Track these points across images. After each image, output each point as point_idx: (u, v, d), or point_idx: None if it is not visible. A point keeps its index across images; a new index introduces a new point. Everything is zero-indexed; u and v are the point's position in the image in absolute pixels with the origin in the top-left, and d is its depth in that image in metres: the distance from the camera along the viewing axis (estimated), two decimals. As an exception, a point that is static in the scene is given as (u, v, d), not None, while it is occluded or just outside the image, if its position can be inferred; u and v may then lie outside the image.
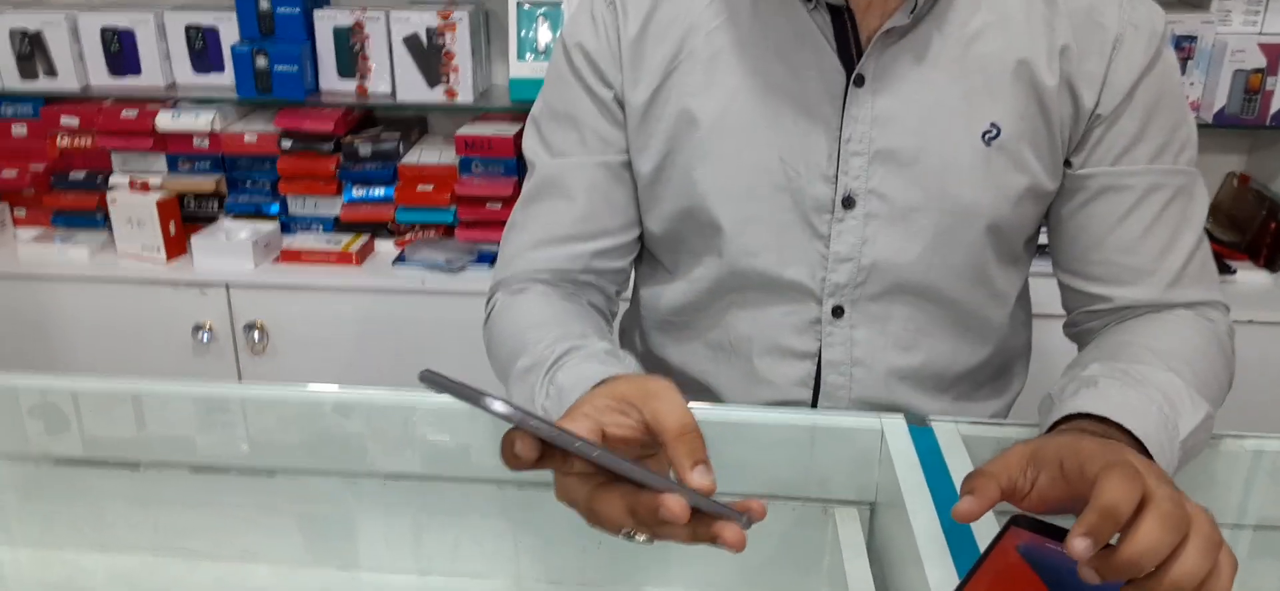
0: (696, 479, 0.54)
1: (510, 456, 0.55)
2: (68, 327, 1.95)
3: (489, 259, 1.90)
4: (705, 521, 0.54)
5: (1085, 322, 0.89)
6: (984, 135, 0.82)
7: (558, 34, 0.89)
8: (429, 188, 1.92)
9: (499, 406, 0.50)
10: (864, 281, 0.87)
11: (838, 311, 0.88)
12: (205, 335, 1.90)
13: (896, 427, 0.78)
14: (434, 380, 0.50)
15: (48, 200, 2.00)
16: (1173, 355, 0.75)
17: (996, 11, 0.81)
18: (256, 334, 1.89)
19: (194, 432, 0.92)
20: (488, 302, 0.93)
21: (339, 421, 0.88)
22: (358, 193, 1.96)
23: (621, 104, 0.86)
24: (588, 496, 0.57)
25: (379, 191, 1.96)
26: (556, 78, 0.89)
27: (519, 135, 1.90)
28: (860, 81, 0.81)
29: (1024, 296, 0.98)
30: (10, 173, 1.99)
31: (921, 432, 0.78)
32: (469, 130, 1.91)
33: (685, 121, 0.84)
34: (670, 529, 0.55)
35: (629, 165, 0.89)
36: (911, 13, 0.78)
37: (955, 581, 0.63)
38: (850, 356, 0.90)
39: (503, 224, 2.02)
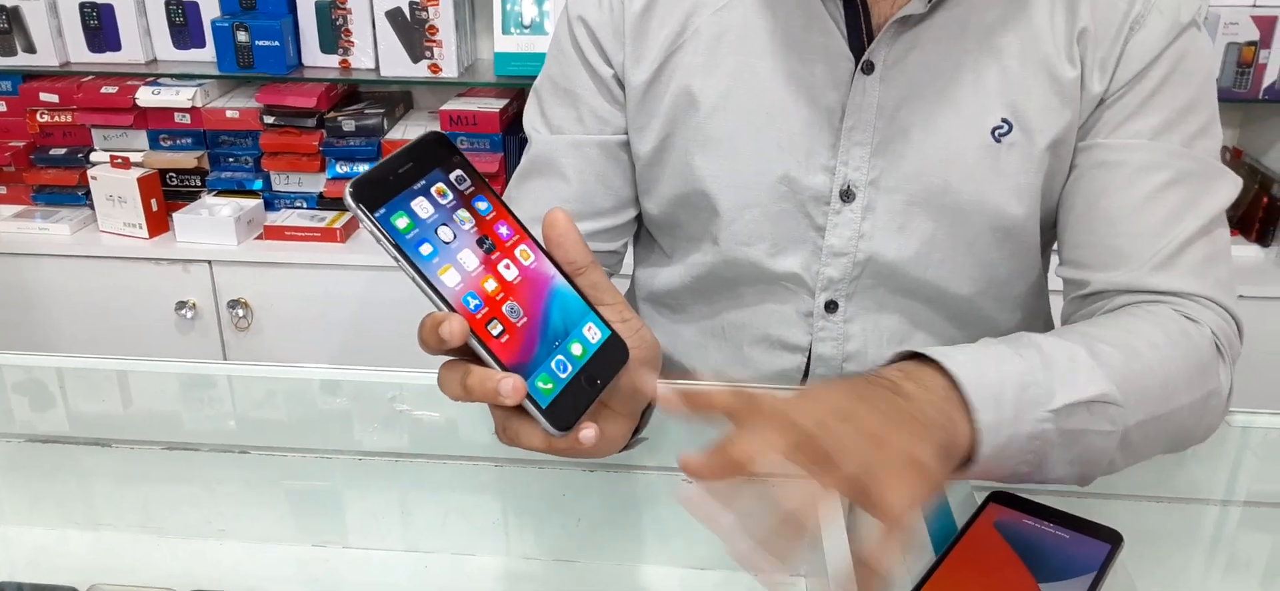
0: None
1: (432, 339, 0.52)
2: (50, 305, 1.93)
3: (475, 235, 1.89)
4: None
5: (1070, 318, 0.82)
6: (994, 131, 0.78)
7: (564, 5, 0.88)
8: (414, 164, 1.91)
9: (348, 195, 0.50)
10: (859, 276, 0.84)
11: (831, 306, 0.86)
12: (189, 312, 1.88)
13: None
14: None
15: (28, 177, 1.98)
16: (1097, 335, 0.66)
17: (1018, 1, 0.77)
18: (240, 311, 1.87)
19: (175, 410, 0.92)
20: None
21: (323, 399, 0.87)
22: (341, 169, 1.94)
23: (621, 83, 0.85)
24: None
25: (363, 167, 1.94)
26: (558, 51, 0.87)
27: (504, 110, 1.89)
28: (868, 69, 0.78)
29: (1040, 297, 0.94)
30: (-11, 149, 1.97)
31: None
32: (454, 105, 1.89)
33: (686, 102, 0.82)
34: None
35: (627, 146, 0.87)
36: (928, 2, 0.75)
37: (932, 557, 0.63)
38: (842, 352, 0.88)
39: (488, 200, 1.99)
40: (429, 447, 0.85)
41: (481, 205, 0.55)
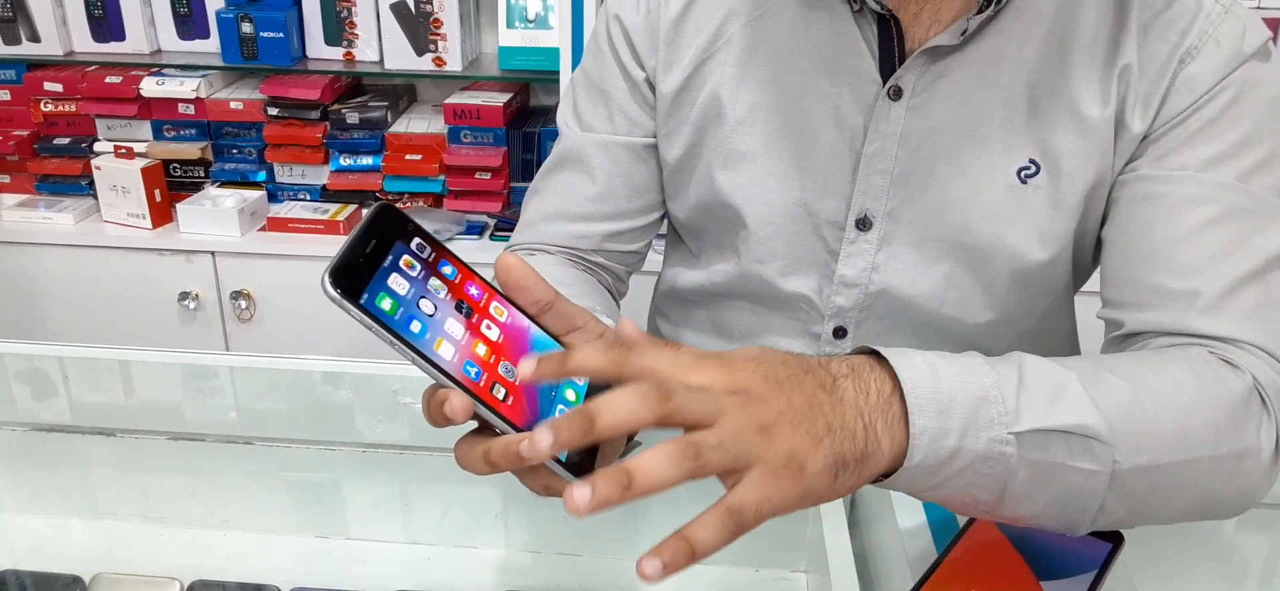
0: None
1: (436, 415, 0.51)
2: (53, 294, 1.93)
3: (477, 229, 1.89)
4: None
5: None
6: (1020, 172, 0.75)
7: (603, 2, 0.87)
8: (417, 157, 1.91)
9: (327, 285, 0.46)
10: (870, 307, 0.83)
11: (840, 332, 0.85)
12: (191, 303, 1.89)
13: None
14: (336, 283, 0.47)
15: (32, 166, 1.98)
16: (1106, 366, 0.58)
17: (1057, 36, 0.73)
18: (243, 302, 1.88)
19: (178, 400, 0.92)
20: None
21: (326, 391, 0.87)
22: (345, 161, 1.94)
23: (653, 87, 0.84)
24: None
25: (367, 160, 1.94)
26: (595, 48, 0.87)
27: (508, 104, 1.89)
28: (896, 95, 0.75)
29: (1067, 340, 0.90)
30: (-7, 138, 1.97)
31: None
32: (458, 99, 1.89)
33: (714, 112, 0.81)
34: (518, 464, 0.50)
35: (655, 149, 0.87)
36: (962, 34, 0.72)
37: (934, 554, 0.64)
38: None
39: (492, 194, 2.01)
40: (431, 440, 0.85)
41: (447, 270, 0.53)
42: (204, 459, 0.85)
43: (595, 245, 0.88)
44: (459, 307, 0.52)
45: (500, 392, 0.51)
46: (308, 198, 1.98)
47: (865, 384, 0.51)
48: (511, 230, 0.95)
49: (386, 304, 0.49)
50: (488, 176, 1.89)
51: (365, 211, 0.53)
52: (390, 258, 0.50)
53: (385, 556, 0.81)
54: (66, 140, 1.98)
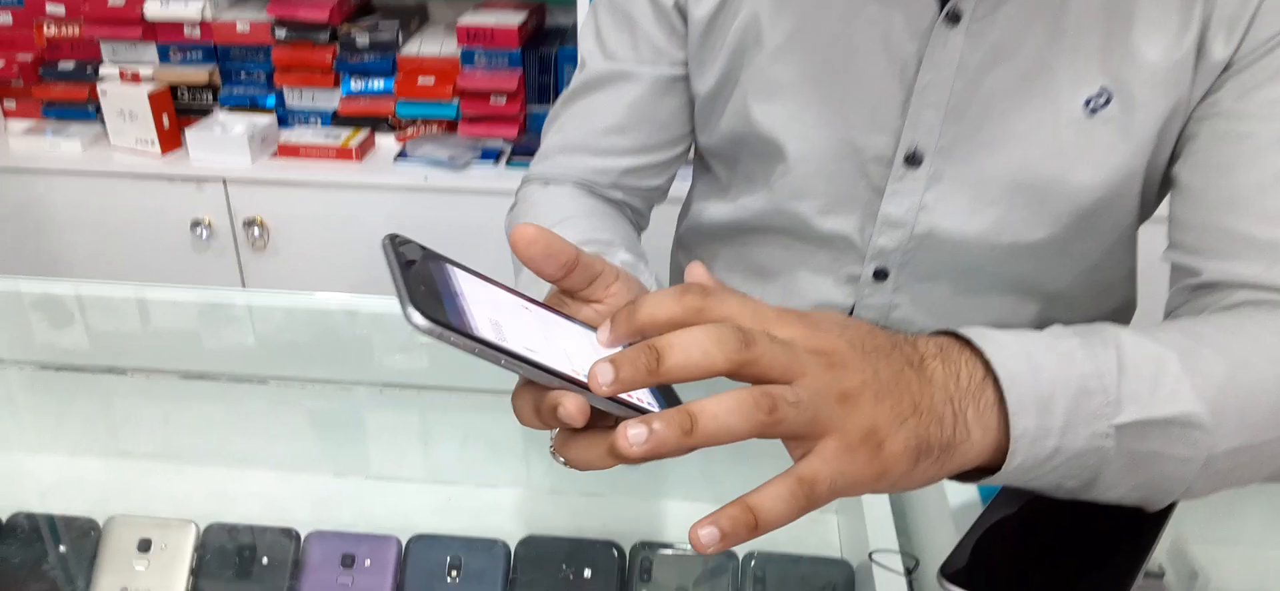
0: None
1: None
2: (63, 223, 1.91)
3: (493, 155, 1.85)
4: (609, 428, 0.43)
5: (1176, 312, 0.69)
6: (1087, 102, 0.69)
7: None
8: (430, 80, 1.86)
9: (418, 318, 0.41)
10: (915, 248, 0.78)
11: (880, 274, 0.81)
12: (204, 231, 1.86)
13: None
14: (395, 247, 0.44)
15: (37, 91, 1.94)
16: (1201, 338, 0.53)
17: None
18: (256, 230, 1.85)
19: (192, 337, 0.90)
20: (518, 190, 0.89)
21: (344, 327, 0.85)
22: (356, 85, 1.90)
23: (683, 14, 0.79)
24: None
25: (378, 84, 1.89)
26: None
27: (523, 25, 1.83)
28: (954, 19, 0.69)
29: (1127, 282, 0.85)
30: (-3, 62, 1.93)
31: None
32: (470, 19, 1.84)
33: (750, 38, 0.76)
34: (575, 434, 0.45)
35: (682, 80, 0.82)
36: None
37: (975, 498, 0.61)
38: (886, 320, 0.83)
39: (507, 119, 1.96)
40: (450, 378, 0.83)
41: (481, 278, 0.47)
42: (219, 397, 0.83)
43: (614, 180, 0.84)
44: (522, 308, 0.47)
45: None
46: (319, 123, 1.94)
47: (954, 365, 0.47)
48: (529, 156, 0.91)
49: (483, 324, 0.43)
50: (503, 101, 1.84)
51: (382, 246, 0.47)
52: (442, 281, 0.45)
53: (404, 495, 0.79)
54: (71, 64, 1.94)
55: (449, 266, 0.47)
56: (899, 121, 0.74)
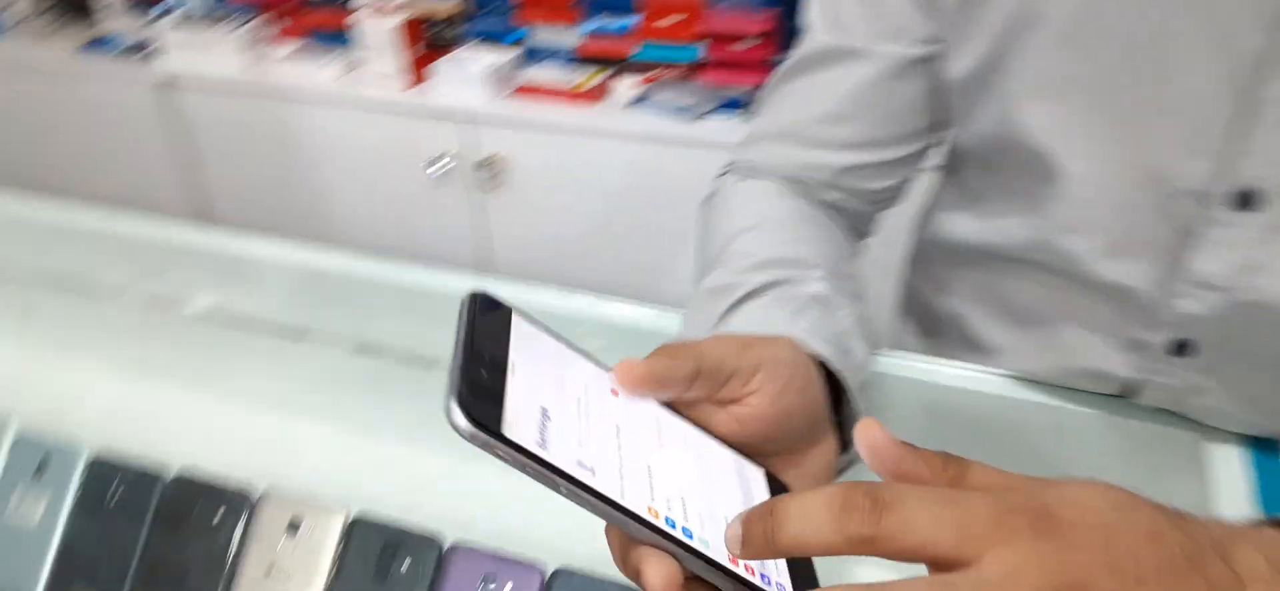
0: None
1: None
2: (314, 149, 1.97)
3: (735, 106, 1.69)
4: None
5: None
6: None
7: None
8: (675, 19, 1.72)
9: (461, 420, 0.32)
10: (1235, 319, 0.56)
11: (1181, 347, 0.59)
12: (441, 167, 1.84)
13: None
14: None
15: (298, 18, 1.99)
16: None
17: None
18: (490, 171, 1.81)
19: (368, 312, 0.83)
20: (718, 176, 0.73)
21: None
22: (603, 22, 1.80)
23: None
24: None
25: (619, 23, 1.78)
26: None
27: (778, -39, 1.65)
28: None
29: None
30: (266, -12, 1.99)
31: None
32: (723, -46, 1.68)
33: (1028, 15, 0.56)
34: None
35: (927, 62, 0.63)
36: None
37: None
38: (1182, 407, 0.61)
39: (754, 66, 1.76)
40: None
41: (577, 366, 0.39)
42: (386, 376, 0.75)
43: (830, 178, 0.66)
44: (612, 421, 0.37)
45: (699, 527, 0.36)
46: (561, 61, 1.86)
47: None
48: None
49: (553, 442, 0.34)
50: (751, 44, 1.68)
51: (464, 302, 0.38)
52: (518, 362, 0.36)
53: (552, 517, 0.67)
54: (332, -10, 1.97)
55: (527, 331, 0.38)
56: (1228, 146, 0.52)
